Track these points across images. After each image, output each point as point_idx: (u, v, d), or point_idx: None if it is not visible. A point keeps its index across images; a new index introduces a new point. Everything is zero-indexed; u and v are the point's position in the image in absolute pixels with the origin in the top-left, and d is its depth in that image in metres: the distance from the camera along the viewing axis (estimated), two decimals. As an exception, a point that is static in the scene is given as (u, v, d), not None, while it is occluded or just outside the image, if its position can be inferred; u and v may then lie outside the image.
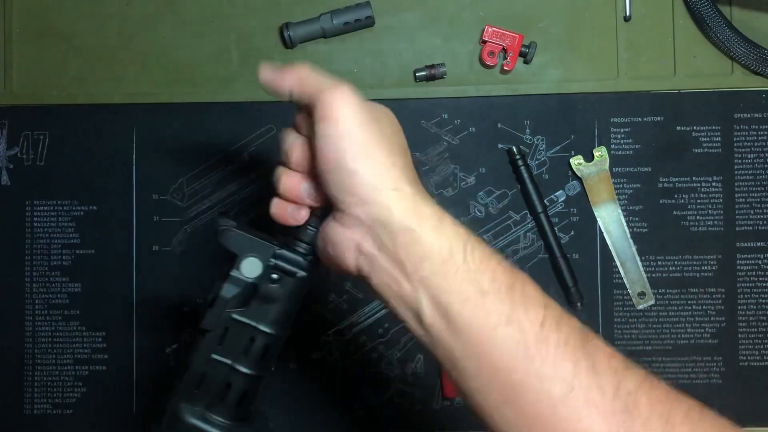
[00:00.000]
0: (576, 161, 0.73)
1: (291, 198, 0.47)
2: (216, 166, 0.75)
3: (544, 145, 0.74)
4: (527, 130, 0.74)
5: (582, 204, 0.74)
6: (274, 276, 0.46)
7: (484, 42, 0.73)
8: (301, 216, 0.47)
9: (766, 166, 0.73)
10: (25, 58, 0.76)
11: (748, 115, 0.73)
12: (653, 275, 0.73)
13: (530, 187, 0.72)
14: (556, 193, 0.74)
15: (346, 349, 0.74)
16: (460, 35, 0.75)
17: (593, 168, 0.73)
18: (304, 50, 0.75)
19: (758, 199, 0.73)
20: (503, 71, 0.73)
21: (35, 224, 0.75)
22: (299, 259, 0.46)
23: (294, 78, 0.45)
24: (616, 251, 0.73)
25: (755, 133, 0.73)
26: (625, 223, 0.73)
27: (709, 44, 0.73)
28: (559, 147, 0.74)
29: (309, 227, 0.47)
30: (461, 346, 0.40)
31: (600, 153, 0.73)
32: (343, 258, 0.44)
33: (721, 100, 0.73)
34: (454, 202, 0.74)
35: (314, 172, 0.45)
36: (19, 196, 0.75)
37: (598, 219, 0.73)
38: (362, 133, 0.42)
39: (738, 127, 0.73)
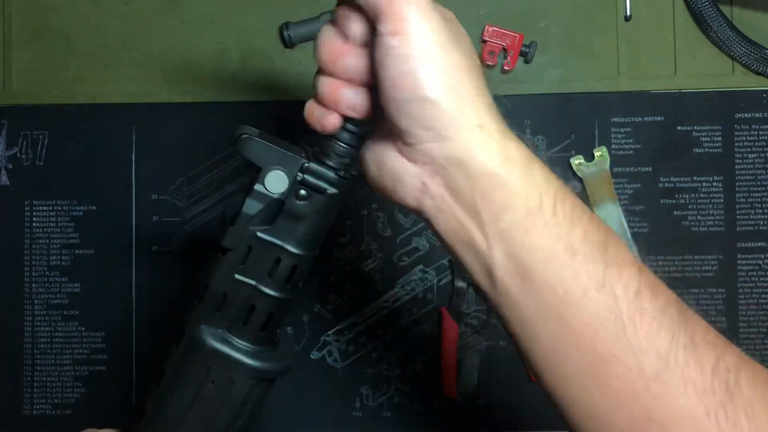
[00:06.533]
0: (576, 161, 0.73)
1: (327, 104, 0.39)
2: (216, 166, 0.75)
3: (544, 145, 0.73)
4: (527, 129, 0.74)
5: (582, 204, 0.73)
6: (302, 192, 0.41)
7: (485, 41, 0.73)
8: (329, 122, 0.40)
9: (766, 166, 0.73)
10: (24, 58, 0.76)
11: (749, 115, 0.73)
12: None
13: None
14: (557, 193, 0.73)
15: (346, 349, 0.73)
16: (460, 35, 0.74)
17: (594, 168, 0.73)
18: (305, 50, 0.75)
19: (759, 199, 0.73)
20: (503, 71, 0.73)
21: (34, 224, 0.75)
22: (330, 174, 0.41)
23: None
24: (617, 251, 0.73)
25: (756, 133, 0.73)
26: (625, 223, 0.73)
27: (710, 44, 0.73)
28: (559, 147, 0.74)
29: (341, 143, 0.41)
30: (539, 310, 0.35)
31: (600, 153, 0.73)
32: (402, 194, 0.39)
33: (722, 99, 0.73)
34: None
35: (361, 82, 0.39)
36: (18, 196, 0.75)
37: (599, 219, 0.73)
38: (446, 55, 0.36)
39: (739, 127, 0.73)
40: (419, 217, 0.40)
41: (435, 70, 0.35)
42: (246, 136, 0.41)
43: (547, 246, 0.35)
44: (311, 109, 0.40)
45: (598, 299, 0.35)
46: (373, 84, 0.38)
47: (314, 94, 0.40)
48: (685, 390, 0.34)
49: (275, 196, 0.41)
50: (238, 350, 0.43)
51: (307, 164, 0.41)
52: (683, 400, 0.34)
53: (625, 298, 0.35)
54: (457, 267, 0.72)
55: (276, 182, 0.41)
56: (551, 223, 0.35)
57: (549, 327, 0.35)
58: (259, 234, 0.42)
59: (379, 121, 0.40)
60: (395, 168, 0.39)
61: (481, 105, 0.37)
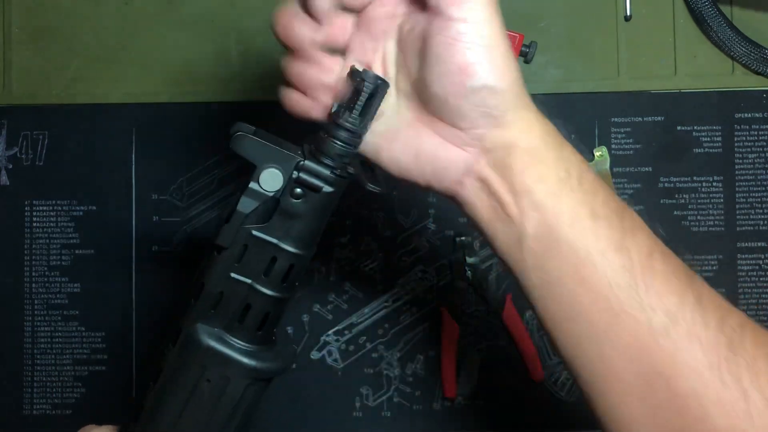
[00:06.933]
0: (576, 161, 0.73)
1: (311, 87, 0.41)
2: (216, 166, 0.75)
3: (544, 145, 0.73)
4: (527, 129, 0.74)
5: (582, 204, 0.73)
6: (298, 190, 0.41)
7: (485, 42, 0.73)
8: (317, 111, 0.42)
9: (766, 166, 0.73)
10: (24, 58, 0.76)
11: (749, 115, 0.73)
12: (654, 275, 0.73)
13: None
14: (557, 193, 0.73)
15: (346, 349, 0.73)
16: (460, 35, 0.74)
17: (594, 168, 0.73)
18: (304, 50, 0.75)
19: (759, 199, 0.73)
20: (503, 71, 0.73)
21: (34, 224, 0.75)
22: (326, 172, 0.41)
23: None
24: (617, 251, 0.73)
25: (756, 133, 0.73)
26: (625, 223, 0.73)
27: (710, 44, 0.73)
28: (559, 147, 0.73)
29: (339, 142, 0.41)
30: (561, 272, 0.37)
31: (600, 153, 0.73)
32: (441, 179, 0.40)
33: (722, 99, 0.73)
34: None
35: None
36: (18, 196, 0.75)
37: (599, 219, 0.73)
38: (506, 41, 0.37)
39: (739, 127, 0.73)
40: (452, 202, 0.41)
41: (503, 58, 0.37)
42: (241, 133, 0.41)
43: (573, 211, 0.37)
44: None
45: (615, 259, 0.37)
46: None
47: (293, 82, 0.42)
48: (690, 345, 0.36)
49: (270, 194, 0.41)
50: (233, 349, 0.43)
51: (302, 162, 0.41)
52: (688, 354, 0.36)
53: (638, 259, 0.37)
54: (456, 266, 0.72)
55: (270, 180, 0.41)
56: (577, 190, 0.38)
57: (569, 287, 0.37)
58: (254, 232, 0.41)
59: (411, 110, 0.41)
60: (437, 155, 0.39)
61: (524, 87, 0.38)
